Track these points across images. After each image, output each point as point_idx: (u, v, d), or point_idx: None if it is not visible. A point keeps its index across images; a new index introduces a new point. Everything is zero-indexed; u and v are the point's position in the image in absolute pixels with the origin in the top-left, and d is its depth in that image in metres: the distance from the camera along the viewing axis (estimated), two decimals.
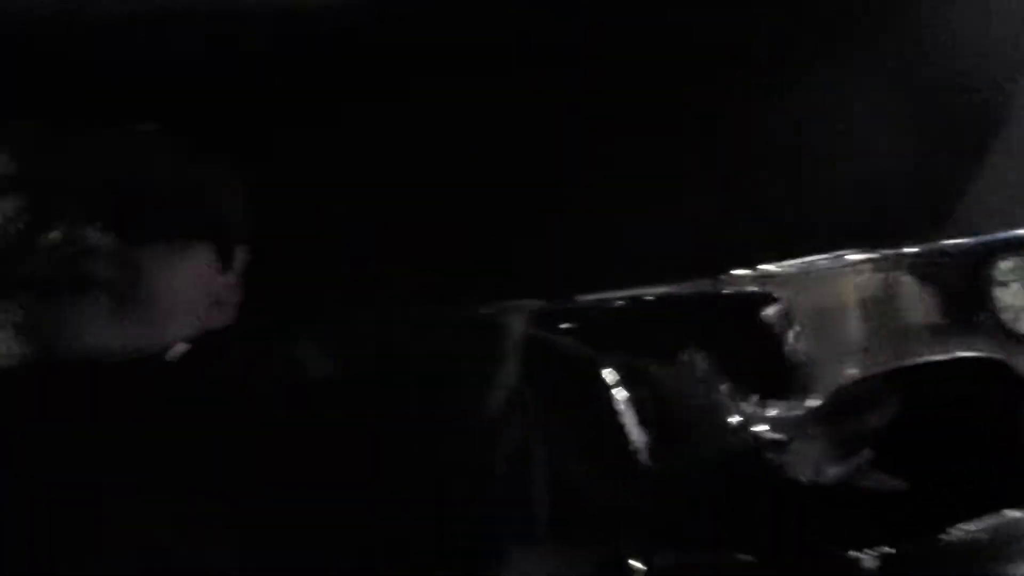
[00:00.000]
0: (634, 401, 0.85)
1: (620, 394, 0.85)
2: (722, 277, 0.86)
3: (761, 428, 0.86)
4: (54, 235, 0.84)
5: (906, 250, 0.86)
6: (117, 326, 0.85)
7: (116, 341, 0.85)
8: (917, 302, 0.86)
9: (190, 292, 0.91)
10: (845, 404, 0.86)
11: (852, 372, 0.86)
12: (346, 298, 0.88)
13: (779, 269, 0.86)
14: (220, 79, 0.88)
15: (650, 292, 0.86)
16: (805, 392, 0.86)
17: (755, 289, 0.86)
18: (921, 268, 0.86)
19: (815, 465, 0.88)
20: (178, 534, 0.81)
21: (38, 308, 0.83)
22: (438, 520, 0.85)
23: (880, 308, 0.86)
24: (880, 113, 0.89)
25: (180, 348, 0.85)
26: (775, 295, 0.86)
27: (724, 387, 0.86)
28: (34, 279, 0.84)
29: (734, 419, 0.86)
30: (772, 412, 0.86)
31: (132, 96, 0.87)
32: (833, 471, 0.88)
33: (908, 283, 0.86)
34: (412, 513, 0.84)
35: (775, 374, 0.86)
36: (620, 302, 0.86)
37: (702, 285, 0.86)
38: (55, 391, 0.83)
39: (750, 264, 0.86)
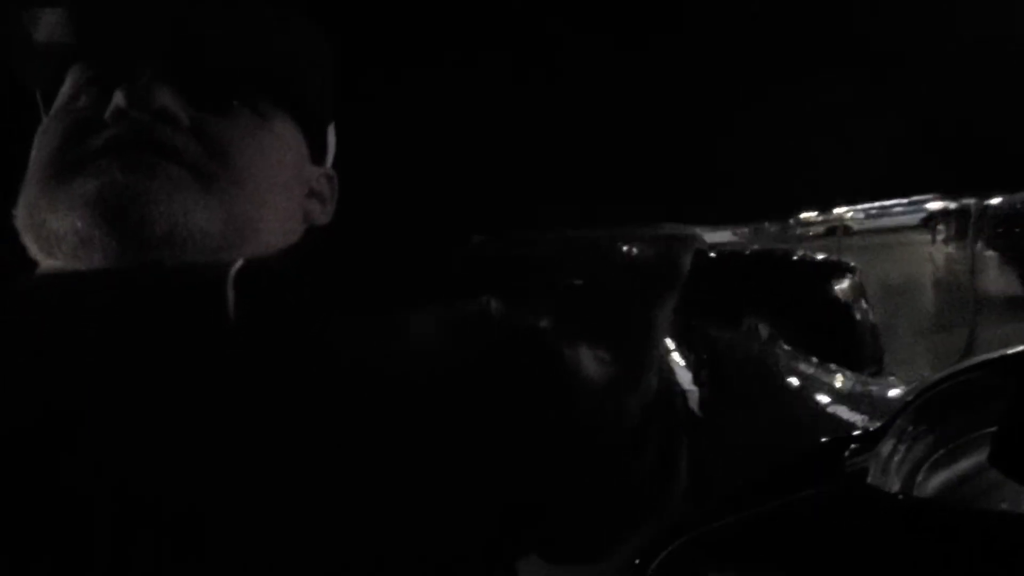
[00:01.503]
0: (691, 363, 0.79)
1: (678, 356, 0.80)
2: (791, 220, 0.83)
3: (839, 409, 0.78)
4: (122, 98, 0.79)
5: (989, 201, 0.80)
6: (206, 205, 0.79)
7: (207, 220, 0.79)
8: (999, 260, 0.79)
9: (281, 173, 0.84)
10: (943, 397, 0.78)
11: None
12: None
13: (852, 212, 0.82)
14: None
15: (716, 243, 0.82)
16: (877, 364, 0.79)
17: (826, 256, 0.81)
18: (1004, 220, 0.79)
19: (908, 471, 0.78)
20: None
21: (118, 181, 0.77)
22: (588, 512, 0.82)
23: (959, 268, 0.79)
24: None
25: (238, 264, 0.74)
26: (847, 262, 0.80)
27: (786, 351, 0.79)
28: (108, 148, 0.78)
29: (794, 383, 0.79)
30: (845, 385, 0.78)
31: None
32: (932, 481, 0.78)
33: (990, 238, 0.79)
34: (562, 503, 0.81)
35: (845, 343, 0.80)
36: None
37: (772, 228, 0.83)
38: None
39: (822, 207, 0.82)
